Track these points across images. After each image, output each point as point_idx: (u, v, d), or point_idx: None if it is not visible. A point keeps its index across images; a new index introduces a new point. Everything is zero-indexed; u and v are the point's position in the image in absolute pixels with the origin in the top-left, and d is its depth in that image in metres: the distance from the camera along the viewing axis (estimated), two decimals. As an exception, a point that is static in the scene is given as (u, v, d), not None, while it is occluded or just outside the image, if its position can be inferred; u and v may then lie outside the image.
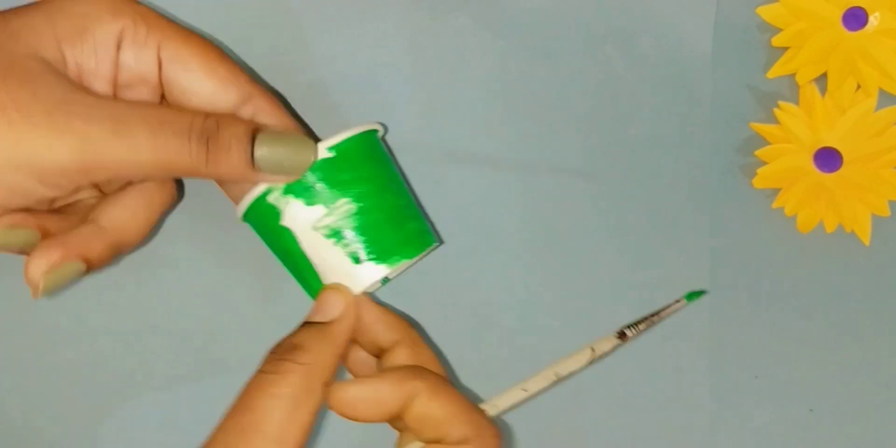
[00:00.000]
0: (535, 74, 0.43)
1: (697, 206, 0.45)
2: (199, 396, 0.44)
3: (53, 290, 0.34)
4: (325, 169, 0.36)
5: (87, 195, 0.37)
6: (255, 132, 0.35)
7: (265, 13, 0.42)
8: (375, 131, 0.39)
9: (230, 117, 0.35)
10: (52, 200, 0.36)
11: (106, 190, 0.38)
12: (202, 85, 0.35)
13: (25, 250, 0.34)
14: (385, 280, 0.41)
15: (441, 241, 0.44)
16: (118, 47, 0.34)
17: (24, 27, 0.33)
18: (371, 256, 0.37)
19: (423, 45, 0.43)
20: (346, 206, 0.36)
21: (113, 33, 0.34)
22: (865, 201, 0.43)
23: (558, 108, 0.44)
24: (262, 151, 0.34)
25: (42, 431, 0.43)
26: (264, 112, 0.37)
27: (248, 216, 0.37)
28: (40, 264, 0.33)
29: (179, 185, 0.41)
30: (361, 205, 0.37)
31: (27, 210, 0.34)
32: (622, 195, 0.45)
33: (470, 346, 0.45)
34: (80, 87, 0.33)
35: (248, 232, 0.40)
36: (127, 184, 0.37)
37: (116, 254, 0.36)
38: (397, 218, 0.38)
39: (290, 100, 0.42)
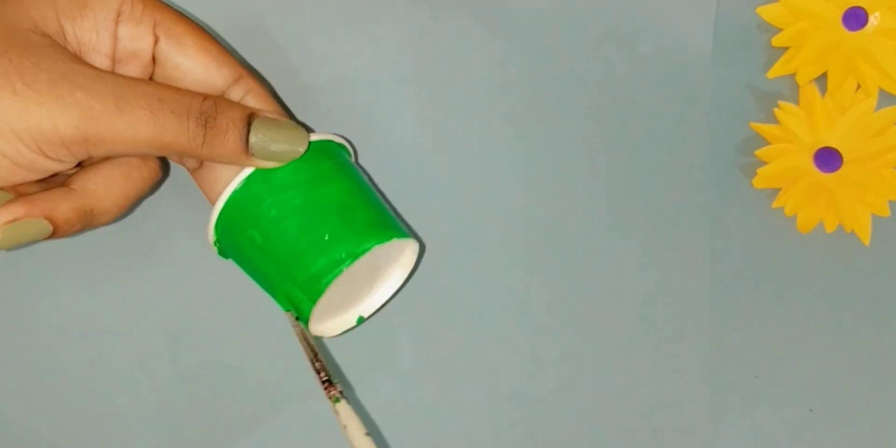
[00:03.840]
0: (535, 74, 0.43)
1: (697, 206, 0.45)
2: (199, 396, 0.44)
3: (13, 245, 0.34)
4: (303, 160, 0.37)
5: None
6: (251, 117, 0.35)
7: (264, 13, 0.42)
8: (343, 147, 0.40)
9: (228, 101, 0.35)
10: (53, 174, 0.36)
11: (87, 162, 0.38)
12: (196, 62, 0.36)
13: None
14: (360, 319, 0.41)
15: (421, 244, 0.44)
16: (116, 22, 0.35)
17: (23, 2, 0.33)
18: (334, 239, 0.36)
19: (423, 45, 0.43)
20: (321, 192, 0.37)
21: (112, 8, 0.35)
22: (865, 201, 0.43)
23: (558, 108, 0.44)
24: (257, 137, 0.35)
25: (42, 431, 0.43)
26: (254, 93, 0.37)
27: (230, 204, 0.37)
28: (2, 216, 0.34)
29: (166, 166, 0.41)
30: (339, 192, 0.37)
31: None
32: (622, 195, 0.45)
33: (469, 346, 0.45)
34: (81, 59, 0.33)
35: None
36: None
37: (87, 220, 0.36)
38: (378, 206, 0.38)
39: (289, 100, 0.42)
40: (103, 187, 0.36)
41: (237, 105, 0.35)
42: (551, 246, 0.45)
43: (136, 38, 0.35)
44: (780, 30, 0.43)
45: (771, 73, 0.43)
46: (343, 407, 0.36)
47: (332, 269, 0.36)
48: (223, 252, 0.39)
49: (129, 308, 0.43)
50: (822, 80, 0.43)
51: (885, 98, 0.42)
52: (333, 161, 0.38)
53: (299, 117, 0.43)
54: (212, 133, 0.34)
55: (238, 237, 0.37)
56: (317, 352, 0.37)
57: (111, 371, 0.44)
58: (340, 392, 0.36)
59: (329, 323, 0.41)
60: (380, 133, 0.43)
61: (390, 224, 0.38)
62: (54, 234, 0.35)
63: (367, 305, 0.41)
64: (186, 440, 0.44)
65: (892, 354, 0.46)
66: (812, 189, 0.44)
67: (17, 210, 0.34)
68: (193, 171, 0.39)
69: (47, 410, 0.43)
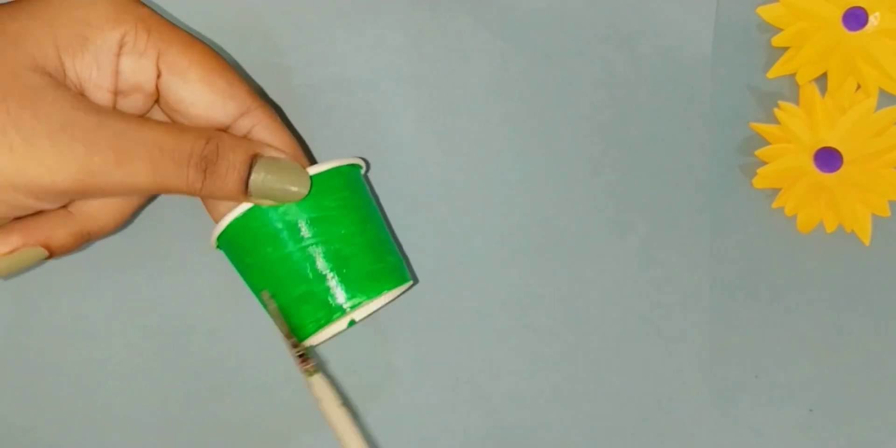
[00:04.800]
0: (535, 74, 0.43)
1: (697, 206, 0.45)
2: (199, 396, 0.44)
3: (11, 274, 0.34)
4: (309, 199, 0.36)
5: None
6: (254, 159, 0.35)
7: (263, 14, 0.42)
8: (358, 167, 0.39)
9: (231, 142, 0.35)
10: None
11: None
12: (200, 97, 0.35)
13: None
14: (351, 322, 0.41)
15: (415, 280, 0.44)
16: (118, 55, 0.34)
17: (22, 34, 0.32)
18: (342, 292, 0.37)
19: (423, 45, 0.43)
20: (317, 239, 0.37)
21: (113, 41, 0.34)
22: (865, 201, 0.43)
23: (558, 109, 0.44)
24: (257, 178, 0.35)
25: (42, 431, 0.43)
26: (262, 126, 0.36)
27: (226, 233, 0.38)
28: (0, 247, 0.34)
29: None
30: (336, 238, 0.37)
31: None
32: (622, 195, 0.45)
33: (469, 346, 0.45)
34: (81, 102, 0.33)
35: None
36: None
37: (83, 241, 0.36)
38: (372, 253, 0.38)
39: (289, 100, 0.42)
40: (101, 210, 0.36)
41: (240, 146, 0.35)
42: (551, 246, 0.45)
43: (138, 72, 0.34)
44: (780, 30, 0.43)
45: (771, 73, 0.43)
46: (318, 380, 0.37)
47: (317, 324, 0.37)
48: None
49: (129, 308, 0.43)
50: (821, 80, 0.43)
51: (885, 98, 0.42)
52: (337, 195, 0.37)
53: (299, 117, 0.43)
54: (211, 178, 0.34)
55: (237, 261, 0.38)
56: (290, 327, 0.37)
57: (111, 371, 0.44)
58: (315, 366, 0.37)
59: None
60: (379, 133, 0.43)
61: (384, 273, 0.38)
62: (49, 257, 0.35)
63: (358, 313, 0.41)
64: (186, 440, 0.44)
65: (892, 354, 0.46)
66: (812, 189, 0.44)
67: (14, 240, 0.34)
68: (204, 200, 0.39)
69: (47, 410, 0.43)
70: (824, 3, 0.41)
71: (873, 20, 0.41)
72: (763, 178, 0.44)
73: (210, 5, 0.41)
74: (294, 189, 0.35)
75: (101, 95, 0.34)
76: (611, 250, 0.45)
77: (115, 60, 0.34)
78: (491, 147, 0.44)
